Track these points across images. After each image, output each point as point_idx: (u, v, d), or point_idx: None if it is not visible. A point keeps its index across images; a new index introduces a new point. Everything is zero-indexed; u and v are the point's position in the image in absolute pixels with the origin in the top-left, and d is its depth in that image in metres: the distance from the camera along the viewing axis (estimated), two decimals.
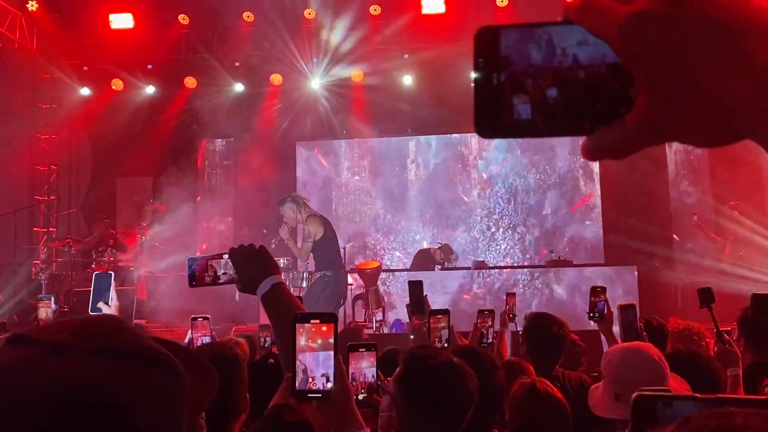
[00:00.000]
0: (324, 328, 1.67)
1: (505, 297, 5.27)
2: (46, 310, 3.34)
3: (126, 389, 0.76)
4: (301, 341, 1.66)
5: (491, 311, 4.12)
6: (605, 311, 3.75)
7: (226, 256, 2.13)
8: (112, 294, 3.10)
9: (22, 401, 0.73)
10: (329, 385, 1.65)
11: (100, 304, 3.09)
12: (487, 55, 0.57)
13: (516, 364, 3.32)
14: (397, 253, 12.15)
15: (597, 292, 3.78)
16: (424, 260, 10.70)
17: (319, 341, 1.66)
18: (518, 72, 0.57)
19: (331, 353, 1.66)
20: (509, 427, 2.63)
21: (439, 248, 10.94)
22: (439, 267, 10.56)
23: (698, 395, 0.87)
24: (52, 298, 3.41)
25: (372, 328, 8.84)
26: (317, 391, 1.65)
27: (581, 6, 0.55)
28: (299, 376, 1.65)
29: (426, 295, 4.49)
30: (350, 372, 2.23)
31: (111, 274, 3.18)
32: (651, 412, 0.86)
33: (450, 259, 10.94)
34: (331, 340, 1.66)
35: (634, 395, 0.89)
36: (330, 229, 8.47)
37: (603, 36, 0.54)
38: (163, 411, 0.79)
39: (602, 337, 3.99)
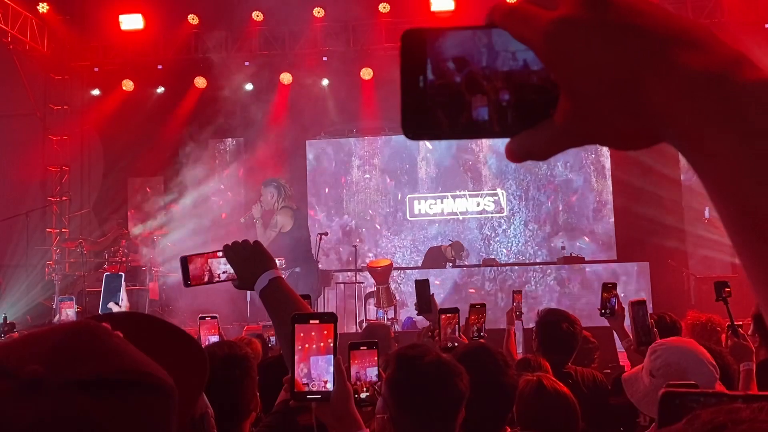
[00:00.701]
0: (324, 328, 1.64)
1: (512, 295, 5.24)
2: (67, 312, 3.34)
3: (107, 423, 0.72)
4: (301, 342, 1.63)
5: (483, 305, 4.07)
6: (616, 307, 3.73)
7: (220, 254, 2.11)
8: (123, 294, 3.11)
9: None
10: (329, 386, 1.63)
11: (111, 305, 3.10)
12: (417, 58, 0.57)
13: (533, 361, 3.30)
14: (408, 251, 12.13)
15: (608, 288, 3.76)
16: (436, 258, 10.69)
17: (319, 342, 1.64)
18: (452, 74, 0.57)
19: (331, 354, 1.64)
20: (518, 424, 2.61)
21: (449, 245, 10.92)
22: (450, 264, 10.54)
23: (727, 392, 0.86)
24: (74, 299, 3.40)
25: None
26: (317, 393, 1.62)
27: (505, 12, 0.56)
28: (298, 377, 1.63)
29: (433, 294, 4.47)
30: (352, 370, 2.22)
31: (121, 275, 3.19)
32: (678, 409, 0.85)
33: (461, 256, 10.93)
34: (331, 341, 1.64)
35: (661, 392, 0.88)
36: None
37: (527, 42, 0.55)
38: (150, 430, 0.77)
39: (614, 333, 3.97)
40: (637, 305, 3.52)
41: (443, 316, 3.68)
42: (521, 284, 9.85)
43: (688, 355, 2.38)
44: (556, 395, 2.67)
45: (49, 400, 0.71)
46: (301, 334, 1.64)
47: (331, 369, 1.63)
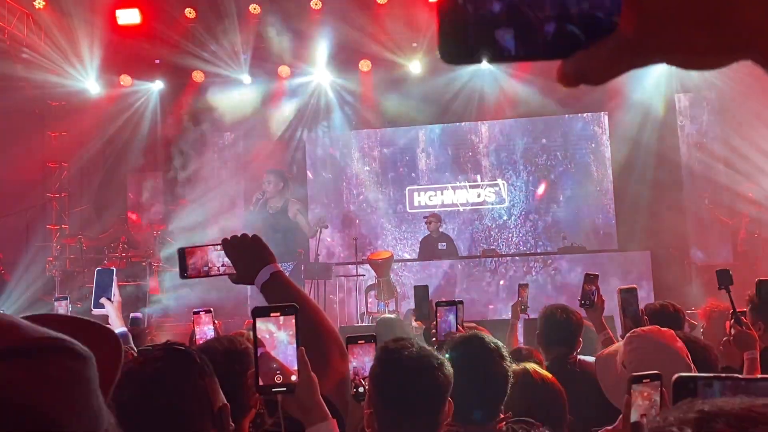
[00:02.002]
0: (285, 320, 1.63)
1: (517, 288, 5.20)
2: (59, 311, 3.34)
3: (34, 388, 0.69)
4: (263, 334, 1.63)
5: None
6: (595, 299, 3.70)
7: (219, 247, 2.09)
8: (114, 290, 3.09)
9: None
10: (293, 378, 1.62)
11: (103, 300, 3.08)
12: None
13: (525, 351, 3.29)
14: (409, 243, 12.11)
15: (590, 279, 3.73)
16: (427, 247, 10.62)
17: (281, 333, 1.63)
18: None
19: (294, 345, 1.62)
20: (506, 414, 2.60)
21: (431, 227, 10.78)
22: (443, 246, 10.41)
23: (740, 376, 0.85)
24: (68, 298, 3.39)
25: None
26: (281, 385, 1.62)
27: None
28: (262, 370, 1.62)
29: (431, 301, 4.40)
30: (351, 365, 2.20)
31: (113, 270, 3.17)
32: (691, 394, 0.83)
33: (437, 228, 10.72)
34: (293, 332, 1.63)
35: (674, 377, 0.86)
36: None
37: None
38: (77, 397, 0.73)
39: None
40: (627, 292, 3.47)
41: (440, 310, 3.66)
42: (522, 275, 9.83)
43: (664, 351, 2.34)
44: (542, 385, 2.66)
45: None
46: (263, 327, 1.63)
47: (295, 360, 1.62)
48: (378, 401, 1.95)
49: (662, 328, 2.55)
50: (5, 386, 0.67)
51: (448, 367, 1.99)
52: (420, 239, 10.99)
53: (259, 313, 1.64)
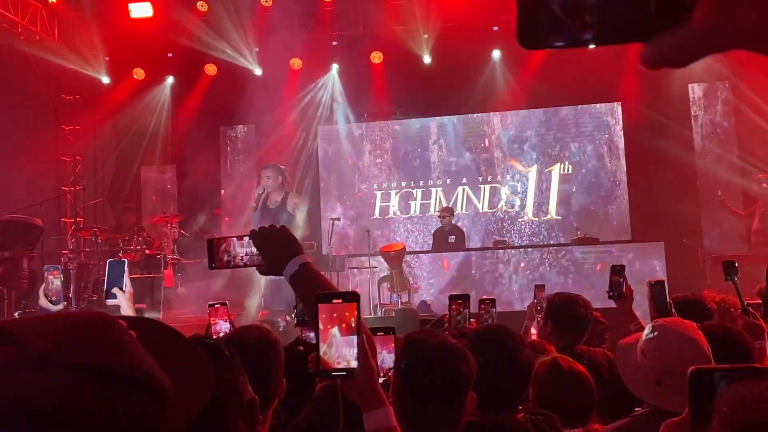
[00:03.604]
0: (346, 307, 1.66)
1: (534, 289, 5.14)
2: (53, 280, 3.32)
3: (99, 412, 0.72)
4: (324, 321, 1.66)
5: (466, 296, 3.89)
6: (624, 289, 3.71)
7: (246, 238, 2.11)
8: (126, 281, 3.13)
9: None
10: (353, 364, 1.64)
11: (115, 290, 3.12)
12: None
13: (537, 344, 3.30)
14: (422, 235, 12.12)
15: (617, 270, 3.73)
16: (439, 240, 10.62)
17: (342, 320, 1.66)
18: None
19: (355, 332, 1.65)
20: (533, 405, 2.61)
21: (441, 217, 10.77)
22: (452, 239, 10.39)
23: (757, 366, 0.85)
24: (60, 268, 3.39)
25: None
26: (341, 370, 1.64)
27: None
28: (323, 355, 1.65)
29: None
30: None
31: (124, 261, 3.20)
32: (708, 386, 0.84)
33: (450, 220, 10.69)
34: (354, 319, 1.66)
35: (690, 369, 0.86)
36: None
37: None
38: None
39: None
40: (656, 285, 3.51)
41: (453, 303, 3.67)
42: (535, 266, 9.82)
43: (685, 341, 2.33)
44: (571, 374, 2.66)
45: (50, 377, 0.72)
46: (324, 314, 1.66)
47: (355, 346, 1.65)
48: (402, 389, 1.98)
49: (684, 320, 2.55)
50: (77, 400, 0.71)
51: (472, 360, 2.01)
52: (432, 231, 10.99)
53: (321, 299, 1.67)
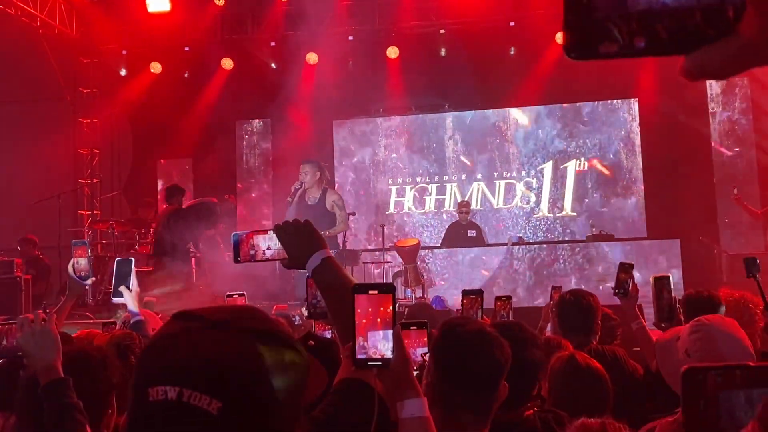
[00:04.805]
0: (382, 298, 1.68)
1: (550, 291, 5.11)
2: (79, 260, 3.28)
3: (271, 363, 0.98)
4: (360, 311, 1.68)
5: (480, 292, 3.80)
6: (630, 288, 3.68)
7: (270, 232, 2.14)
8: (133, 279, 3.16)
9: (190, 358, 0.95)
10: (389, 353, 1.66)
11: (122, 288, 3.16)
12: None
13: (554, 341, 3.30)
14: (436, 230, 12.11)
15: (625, 268, 3.70)
16: (455, 234, 10.59)
17: (378, 311, 1.68)
18: None
19: (390, 322, 1.67)
20: (549, 401, 2.61)
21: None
22: (473, 233, 10.38)
23: (751, 363, 0.85)
24: (87, 242, 3.35)
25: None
26: (377, 360, 1.66)
27: None
28: (359, 345, 1.67)
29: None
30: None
31: (131, 260, 3.24)
32: (701, 385, 0.84)
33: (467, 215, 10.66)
34: (390, 310, 1.68)
35: (683, 368, 0.86)
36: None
37: None
38: (295, 386, 1.02)
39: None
40: (660, 281, 3.44)
41: (466, 299, 3.67)
42: (549, 263, 9.79)
43: (730, 341, 2.28)
44: (588, 371, 2.66)
45: (231, 337, 0.98)
46: (361, 304, 1.68)
47: (391, 337, 1.67)
48: (436, 372, 2.01)
49: (726, 317, 2.51)
50: (249, 353, 0.98)
51: (508, 348, 2.04)
52: (446, 226, 10.97)
53: (358, 290, 1.69)
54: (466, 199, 11.29)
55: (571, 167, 12.04)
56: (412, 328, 2.28)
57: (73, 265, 3.21)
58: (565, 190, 12.04)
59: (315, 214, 8.53)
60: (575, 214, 11.94)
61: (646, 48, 0.53)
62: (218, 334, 0.97)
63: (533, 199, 12.10)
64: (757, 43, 0.49)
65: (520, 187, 12.15)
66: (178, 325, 1.01)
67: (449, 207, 12.11)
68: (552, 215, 12.02)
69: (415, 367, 2.22)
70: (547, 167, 12.12)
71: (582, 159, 12.05)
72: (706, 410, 0.83)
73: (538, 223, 12.03)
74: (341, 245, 9.65)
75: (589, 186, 11.99)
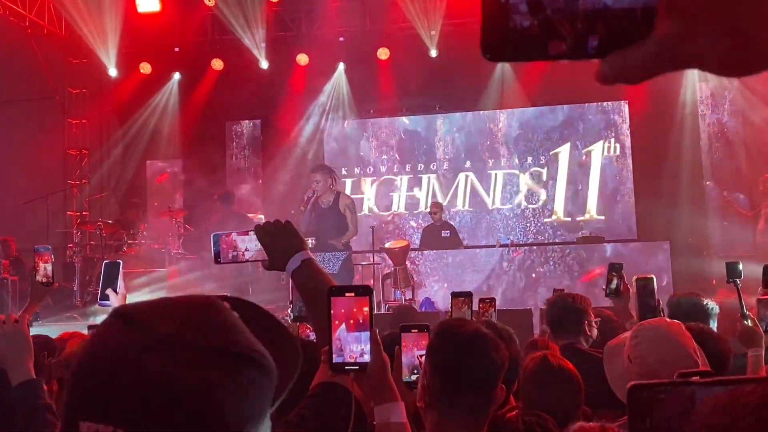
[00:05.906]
0: (359, 301, 1.66)
1: (552, 292, 5.08)
2: (46, 267, 3.24)
3: (223, 387, 0.82)
4: (337, 314, 1.65)
5: (469, 294, 3.73)
6: (621, 288, 3.66)
7: (251, 233, 2.12)
8: (120, 282, 3.13)
9: (131, 387, 0.80)
10: (366, 357, 1.65)
11: (108, 291, 3.13)
12: None
13: (540, 342, 3.28)
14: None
15: (615, 268, 3.69)
16: (430, 236, 10.56)
17: (355, 314, 1.66)
18: None
19: (367, 325, 1.65)
20: (521, 401, 2.58)
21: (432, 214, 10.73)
22: (446, 233, 10.34)
23: (697, 379, 0.83)
24: (50, 248, 3.31)
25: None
26: (354, 363, 1.65)
27: None
28: (336, 348, 1.65)
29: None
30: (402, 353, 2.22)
31: (119, 263, 3.21)
32: (647, 401, 0.83)
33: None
34: (366, 312, 1.66)
35: (628, 386, 0.85)
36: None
37: None
38: (252, 407, 0.86)
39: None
40: (643, 281, 3.39)
41: (455, 300, 3.65)
42: (540, 264, 9.78)
43: (671, 346, 2.23)
44: (559, 371, 2.64)
45: (174, 358, 0.82)
46: (337, 307, 1.66)
47: (368, 340, 1.65)
48: (432, 374, 1.97)
49: (670, 320, 2.46)
50: (200, 378, 0.82)
51: (504, 350, 2.01)
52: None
53: (334, 292, 1.67)
54: (437, 200, 11.28)
55: (563, 169, 12.04)
56: (413, 330, 2.26)
57: (36, 271, 3.15)
58: (555, 191, 12.04)
59: (330, 217, 8.58)
60: (569, 219, 11.93)
61: (559, 54, 0.53)
62: (161, 354, 0.82)
63: (524, 200, 12.09)
64: (668, 47, 0.50)
65: (510, 189, 12.13)
66: (117, 334, 0.85)
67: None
68: (542, 216, 12.01)
69: (415, 370, 2.20)
70: (538, 169, 12.12)
71: (573, 161, 12.04)
72: (653, 428, 0.82)
73: (528, 224, 12.03)
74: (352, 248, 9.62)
75: (580, 188, 11.99)
